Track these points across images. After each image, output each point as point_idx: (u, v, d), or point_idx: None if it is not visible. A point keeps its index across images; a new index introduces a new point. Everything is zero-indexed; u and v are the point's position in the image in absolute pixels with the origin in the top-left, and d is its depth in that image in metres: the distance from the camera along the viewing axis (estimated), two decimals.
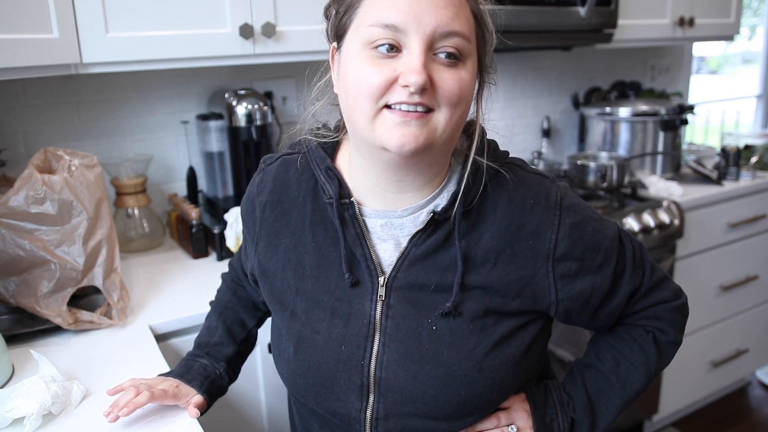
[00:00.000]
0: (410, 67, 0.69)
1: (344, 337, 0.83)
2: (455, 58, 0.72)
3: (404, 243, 0.82)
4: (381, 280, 0.82)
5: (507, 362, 0.82)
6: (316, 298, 0.85)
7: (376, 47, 0.71)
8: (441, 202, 0.81)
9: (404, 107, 0.70)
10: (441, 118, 0.72)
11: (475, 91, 0.79)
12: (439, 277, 0.81)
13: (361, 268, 0.83)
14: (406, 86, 0.69)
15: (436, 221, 0.80)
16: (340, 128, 0.88)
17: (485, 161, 0.80)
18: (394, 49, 0.71)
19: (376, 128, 0.72)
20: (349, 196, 0.83)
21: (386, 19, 0.70)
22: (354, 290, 0.83)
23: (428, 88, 0.70)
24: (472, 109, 0.80)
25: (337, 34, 0.78)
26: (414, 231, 0.81)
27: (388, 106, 0.71)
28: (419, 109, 0.71)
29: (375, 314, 0.82)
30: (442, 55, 0.71)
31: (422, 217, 0.81)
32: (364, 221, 0.83)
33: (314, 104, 0.86)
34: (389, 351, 0.81)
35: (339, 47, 0.78)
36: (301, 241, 0.87)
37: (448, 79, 0.71)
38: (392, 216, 0.82)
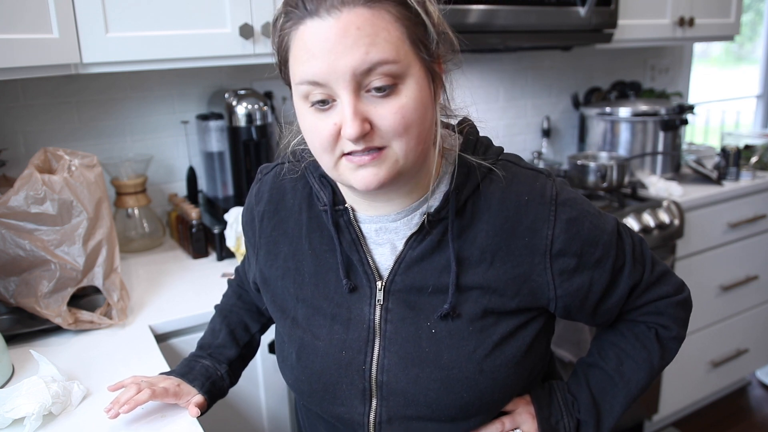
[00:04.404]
0: (343, 119, 0.68)
1: (345, 343, 0.83)
2: (388, 88, 0.69)
3: (400, 246, 0.82)
4: (379, 284, 0.82)
5: (508, 363, 0.82)
6: (315, 304, 0.85)
7: (313, 103, 0.71)
8: (434, 203, 0.81)
9: (356, 154, 0.70)
10: (396, 149, 0.71)
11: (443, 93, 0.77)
12: (436, 279, 0.81)
13: (358, 273, 0.83)
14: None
15: (430, 222, 0.80)
16: None
17: (475, 159, 0.80)
18: (327, 102, 0.70)
19: (341, 172, 0.74)
20: (343, 202, 0.83)
21: (308, 75, 0.69)
22: (352, 296, 0.83)
23: (369, 131, 0.69)
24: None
25: (285, 81, 0.77)
26: (409, 234, 0.81)
27: (346, 153, 0.72)
28: (371, 151, 0.70)
29: (374, 319, 0.82)
30: (374, 91, 0.69)
31: (416, 219, 0.81)
32: (359, 227, 0.83)
33: (294, 138, 0.86)
34: (390, 355, 0.81)
35: (291, 91, 0.76)
36: (299, 248, 0.87)
37: (388, 115, 0.69)
38: (386, 220, 0.82)
